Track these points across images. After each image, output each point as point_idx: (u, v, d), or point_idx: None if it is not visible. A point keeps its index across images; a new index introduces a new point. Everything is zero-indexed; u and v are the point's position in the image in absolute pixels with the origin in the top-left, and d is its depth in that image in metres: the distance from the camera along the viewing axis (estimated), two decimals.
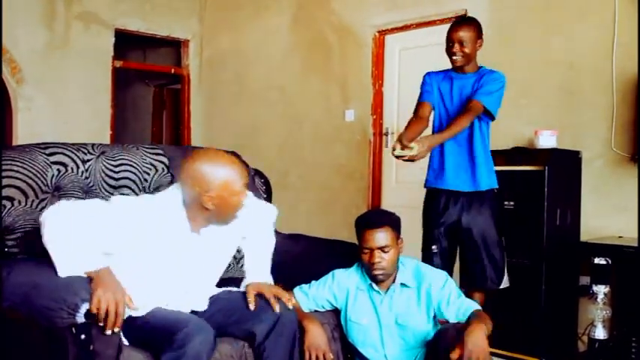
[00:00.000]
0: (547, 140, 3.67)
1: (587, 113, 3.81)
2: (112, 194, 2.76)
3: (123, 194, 2.81)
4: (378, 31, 4.99)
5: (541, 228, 3.48)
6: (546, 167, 3.47)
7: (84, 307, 2.00)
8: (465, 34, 3.08)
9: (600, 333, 3.28)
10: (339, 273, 2.72)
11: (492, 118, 3.12)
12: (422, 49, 4.65)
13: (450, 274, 3.23)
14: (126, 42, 6.22)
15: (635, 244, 3.34)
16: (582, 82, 3.85)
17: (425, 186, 3.29)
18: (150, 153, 2.90)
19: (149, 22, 6.18)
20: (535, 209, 3.50)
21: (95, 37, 5.86)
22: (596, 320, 3.28)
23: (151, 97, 7.93)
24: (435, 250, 3.16)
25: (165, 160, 2.91)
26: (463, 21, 3.21)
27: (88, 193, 2.69)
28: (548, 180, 3.47)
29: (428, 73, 3.31)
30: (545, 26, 4.02)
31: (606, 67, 3.72)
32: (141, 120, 7.98)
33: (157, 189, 2.76)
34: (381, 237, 2.54)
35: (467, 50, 3.08)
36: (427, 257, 3.18)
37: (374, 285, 2.63)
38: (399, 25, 4.86)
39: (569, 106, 3.89)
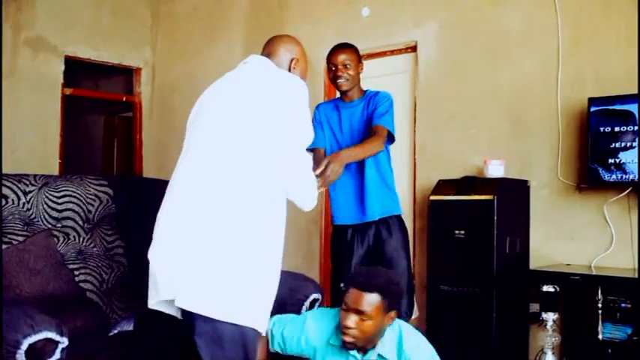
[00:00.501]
0: (495, 170, 3.73)
1: (533, 143, 3.88)
2: (55, 226, 2.69)
3: (66, 226, 2.74)
4: None
5: (491, 256, 3.51)
6: (495, 196, 3.51)
7: (25, 343, 1.94)
8: (346, 56, 3.11)
9: None
10: (310, 324, 2.45)
11: (393, 139, 3.10)
12: (373, 80, 4.70)
13: None
14: (77, 70, 6.12)
15: (583, 272, 3.39)
16: (529, 112, 3.93)
17: (332, 222, 3.27)
18: (94, 184, 2.85)
19: (100, 49, 6.10)
20: (485, 238, 3.52)
21: (44, 64, 5.74)
22: (546, 347, 3.31)
23: (102, 125, 7.81)
24: (344, 288, 3.03)
25: (109, 191, 2.87)
26: (342, 45, 3.19)
27: (29, 225, 2.62)
28: (497, 209, 3.51)
29: (317, 107, 3.30)
30: (492, 58, 4.10)
31: (551, 98, 3.81)
32: (91, 149, 7.84)
33: (101, 220, 2.71)
34: (363, 300, 2.21)
35: (351, 72, 3.11)
36: (335, 294, 3.10)
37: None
38: None
39: (516, 135, 3.97)
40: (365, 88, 3.27)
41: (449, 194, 3.72)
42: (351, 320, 2.21)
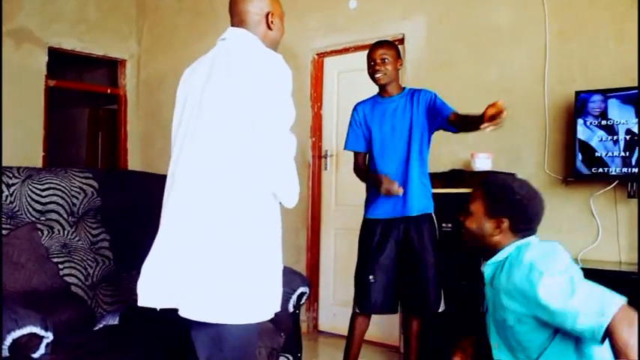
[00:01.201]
0: (483, 163, 3.73)
1: (520, 136, 3.89)
2: (39, 219, 2.66)
3: (50, 219, 2.70)
4: (317, 54, 5.00)
5: None
6: None
7: (9, 339, 1.91)
8: (384, 51, 3.22)
9: None
10: None
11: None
12: (360, 72, 4.68)
13: (397, 303, 3.24)
14: (61, 61, 6.04)
15: None
16: (516, 106, 3.92)
17: (364, 215, 3.29)
18: (79, 176, 2.81)
19: (84, 41, 6.03)
20: None
21: (27, 55, 5.67)
22: None
23: (87, 117, 7.73)
24: (373, 281, 3.14)
25: (94, 183, 2.83)
26: (381, 42, 3.32)
27: (12, 218, 2.58)
28: None
29: (355, 108, 3.36)
30: (480, 52, 4.10)
31: (538, 92, 3.82)
32: (76, 141, 7.77)
33: (85, 213, 2.67)
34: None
35: (389, 67, 3.20)
36: (362, 287, 3.17)
37: None
38: (337, 48, 4.88)
39: (503, 128, 3.92)
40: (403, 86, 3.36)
41: (436, 187, 3.71)
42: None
